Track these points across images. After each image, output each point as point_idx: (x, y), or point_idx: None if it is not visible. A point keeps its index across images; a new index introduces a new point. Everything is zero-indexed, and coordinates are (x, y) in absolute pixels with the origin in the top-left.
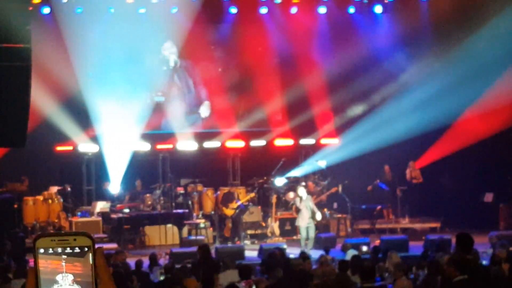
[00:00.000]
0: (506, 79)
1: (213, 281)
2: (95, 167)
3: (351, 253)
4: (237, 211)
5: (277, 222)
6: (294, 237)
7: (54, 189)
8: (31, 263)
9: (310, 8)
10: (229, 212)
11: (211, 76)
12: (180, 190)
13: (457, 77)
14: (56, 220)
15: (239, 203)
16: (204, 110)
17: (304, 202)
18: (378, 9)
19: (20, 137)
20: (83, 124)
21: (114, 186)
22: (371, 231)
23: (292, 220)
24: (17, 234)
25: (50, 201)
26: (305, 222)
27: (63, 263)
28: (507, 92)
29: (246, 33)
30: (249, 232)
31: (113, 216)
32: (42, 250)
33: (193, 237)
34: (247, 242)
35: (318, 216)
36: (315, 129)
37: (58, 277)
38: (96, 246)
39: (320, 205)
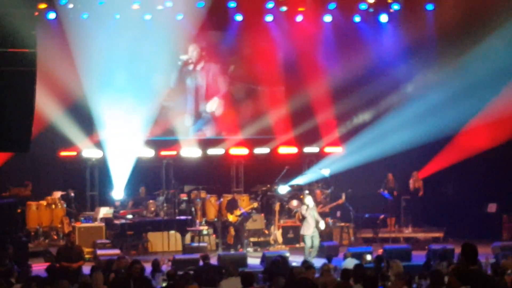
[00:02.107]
0: (511, 90)
1: None
2: (99, 173)
3: (350, 261)
4: (240, 218)
5: (280, 230)
6: (297, 245)
7: (57, 194)
8: (34, 268)
9: (315, 17)
10: (233, 218)
11: (215, 82)
12: (184, 196)
13: (462, 87)
14: (59, 225)
15: (242, 210)
16: (212, 105)
17: (310, 211)
18: (383, 18)
19: (24, 142)
20: (87, 129)
21: (118, 192)
22: (374, 240)
23: (295, 228)
24: (20, 239)
25: (53, 206)
26: (310, 231)
27: None
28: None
29: (251, 41)
30: (252, 239)
31: (116, 222)
32: None
33: (195, 244)
34: (250, 249)
35: (322, 225)
36: (319, 137)
37: None
38: None
39: (323, 214)
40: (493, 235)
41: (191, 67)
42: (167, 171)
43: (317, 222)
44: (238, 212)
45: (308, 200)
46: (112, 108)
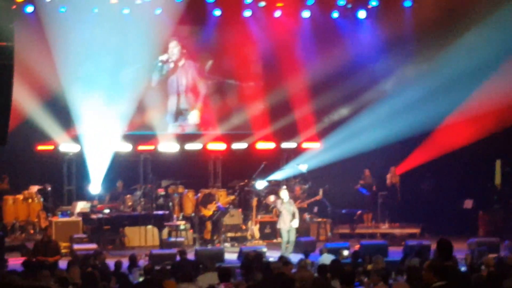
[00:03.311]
0: (488, 87)
1: None
2: (76, 167)
3: (326, 257)
4: (216, 213)
5: (257, 225)
6: (274, 240)
7: (34, 188)
8: (10, 262)
9: (294, 12)
10: (207, 212)
11: (194, 80)
12: (161, 191)
13: (439, 84)
14: (35, 220)
15: (218, 204)
16: (193, 117)
17: (285, 205)
18: (361, 14)
19: (1, 136)
20: (64, 123)
21: (95, 187)
22: (351, 236)
23: (272, 223)
24: None
25: (30, 200)
26: (286, 225)
27: None
28: (488, 99)
29: (229, 36)
30: (229, 234)
31: (93, 216)
32: None
33: (173, 239)
34: (227, 244)
35: (295, 223)
36: (297, 133)
37: None
38: None
39: (300, 210)
40: (469, 231)
41: (172, 65)
42: (145, 166)
43: (292, 216)
44: (213, 206)
45: (283, 194)
46: (89, 103)
